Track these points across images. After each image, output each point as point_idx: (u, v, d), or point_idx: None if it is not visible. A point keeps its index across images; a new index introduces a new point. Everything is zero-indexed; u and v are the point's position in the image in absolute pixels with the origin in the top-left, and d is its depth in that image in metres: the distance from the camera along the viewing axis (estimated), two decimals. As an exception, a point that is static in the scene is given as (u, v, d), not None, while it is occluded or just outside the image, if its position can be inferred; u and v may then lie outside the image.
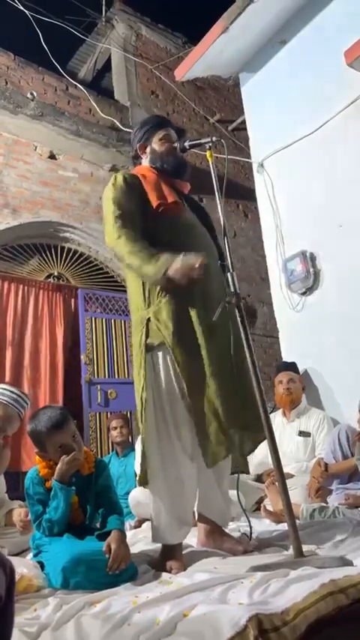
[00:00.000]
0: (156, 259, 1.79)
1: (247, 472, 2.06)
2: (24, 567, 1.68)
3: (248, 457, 2.10)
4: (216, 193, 1.93)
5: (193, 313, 1.86)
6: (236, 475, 2.02)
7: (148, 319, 1.90)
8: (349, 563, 1.47)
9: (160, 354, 1.88)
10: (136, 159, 2.26)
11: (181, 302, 1.87)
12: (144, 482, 1.84)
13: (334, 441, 2.65)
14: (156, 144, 2.14)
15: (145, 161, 2.18)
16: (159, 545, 1.89)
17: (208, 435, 1.78)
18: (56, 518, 1.82)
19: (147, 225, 1.96)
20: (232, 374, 1.84)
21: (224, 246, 1.88)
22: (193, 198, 2.23)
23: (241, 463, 2.03)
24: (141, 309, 1.94)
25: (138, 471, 1.89)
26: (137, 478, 1.88)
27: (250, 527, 2.02)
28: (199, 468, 1.93)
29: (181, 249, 1.84)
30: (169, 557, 1.79)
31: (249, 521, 2.02)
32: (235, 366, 1.85)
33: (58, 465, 1.85)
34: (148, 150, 2.17)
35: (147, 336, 1.89)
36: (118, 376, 4.79)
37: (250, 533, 2.02)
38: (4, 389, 2.30)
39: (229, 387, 1.83)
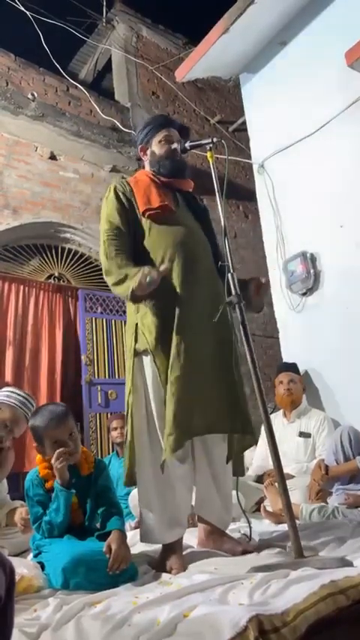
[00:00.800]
0: (124, 279, 1.83)
1: (242, 475, 2.06)
2: (24, 568, 1.68)
3: (249, 458, 2.10)
4: (216, 194, 1.93)
5: (176, 318, 1.87)
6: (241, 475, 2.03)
7: (137, 324, 1.93)
8: (350, 564, 1.47)
9: (147, 359, 1.90)
10: (141, 160, 2.28)
11: (165, 307, 1.88)
12: (130, 483, 1.88)
13: (336, 443, 2.64)
14: (155, 146, 2.14)
15: (147, 164, 2.20)
16: (159, 546, 1.89)
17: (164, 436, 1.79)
18: (56, 521, 1.83)
19: (140, 230, 2.00)
20: (216, 377, 1.86)
21: (224, 246, 1.88)
22: (194, 197, 2.22)
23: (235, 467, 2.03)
24: (132, 314, 1.97)
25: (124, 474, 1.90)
26: (124, 480, 1.90)
27: (250, 528, 2.02)
28: (197, 469, 1.93)
29: (167, 251, 1.92)
30: (169, 557, 1.79)
31: (249, 522, 2.02)
32: (224, 369, 1.86)
33: (53, 466, 1.86)
34: (148, 152, 2.18)
35: (135, 341, 1.92)
36: (119, 377, 4.79)
37: (250, 534, 2.02)
38: (12, 392, 2.33)
39: (209, 390, 1.84)
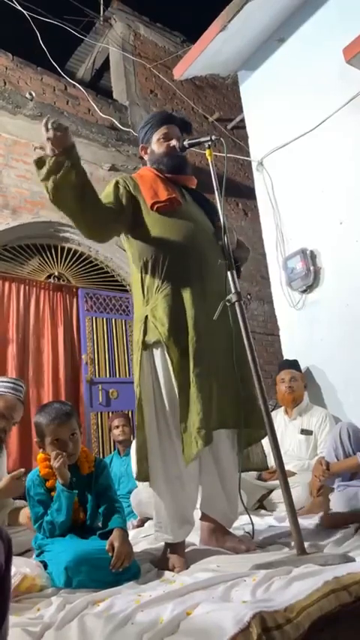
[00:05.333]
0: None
1: (266, 467, 2.03)
2: (27, 567, 1.68)
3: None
4: (215, 192, 1.92)
5: (189, 310, 1.86)
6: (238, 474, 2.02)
7: (146, 316, 1.91)
8: (352, 560, 1.47)
9: (157, 351, 1.89)
10: (142, 159, 2.28)
11: (178, 299, 1.88)
12: (143, 478, 1.87)
13: (336, 439, 2.64)
14: (155, 144, 2.14)
15: (148, 163, 2.20)
16: (161, 544, 1.89)
17: (186, 433, 1.77)
18: (58, 521, 1.83)
19: (142, 221, 1.98)
20: (229, 373, 1.85)
21: (224, 245, 1.88)
22: (202, 194, 2.20)
23: (259, 460, 2.01)
24: (140, 307, 1.96)
25: (135, 469, 1.89)
26: (135, 475, 1.89)
27: (253, 526, 2.02)
28: (202, 467, 1.93)
29: (177, 244, 1.90)
30: (171, 555, 1.79)
31: (251, 520, 2.02)
32: (236, 364, 1.85)
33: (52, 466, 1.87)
34: (148, 151, 2.18)
35: (144, 334, 1.90)
36: (120, 375, 4.79)
37: (253, 532, 2.02)
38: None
39: (221, 385, 1.84)
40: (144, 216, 1.99)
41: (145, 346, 1.89)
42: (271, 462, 1.85)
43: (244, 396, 1.84)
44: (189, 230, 1.98)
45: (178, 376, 1.81)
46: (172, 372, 1.83)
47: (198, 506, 1.99)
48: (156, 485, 1.87)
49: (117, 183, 2.05)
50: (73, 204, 1.83)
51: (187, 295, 1.88)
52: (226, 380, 1.86)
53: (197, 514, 2.01)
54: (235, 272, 1.85)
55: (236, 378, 1.86)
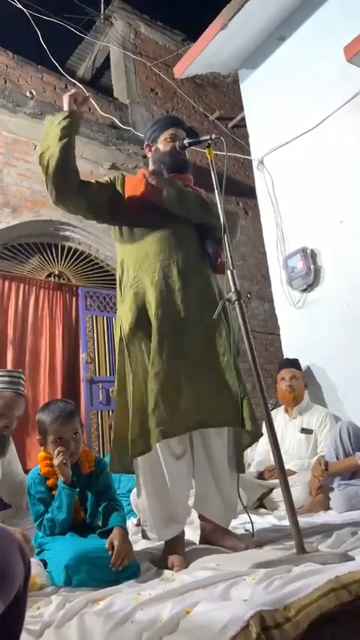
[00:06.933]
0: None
1: (260, 434, 2.05)
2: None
3: (250, 454, 2.10)
4: (216, 191, 1.92)
5: (151, 307, 1.89)
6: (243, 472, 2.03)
7: (120, 314, 1.99)
8: (351, 559, 1.46)
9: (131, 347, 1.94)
10: (146, 158, 2.31)
11: (143, 296, 1.92)
12: (114, 470, 1.90)
13: (336, 438, 2.64)
14: (161, 143, 2.18)
15: (150, 161, 2.23)
16: (161, 543, 1.89)
17: (132, 427, 1.80)
18: (58, 518, 1.83)
19: (121, 217, 2.06)
20: (203, 372, 1.86)
21: (224, 244, 1.88)
22: (196, 191, 2.21)
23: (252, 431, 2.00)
24: (120, 304, 2.04)
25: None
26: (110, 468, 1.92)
27: (252, 524, 2.02)
28: (195, 465, 1.93)
29: (151, 243, 1.97)
30: (171, 554, 1.79)
31: (250, 519, 2.02)
32: (214, 365, 1.88)
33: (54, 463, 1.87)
34: (153, 149, 2.21)
35: (121, 330, 1.97)
36: (120, 374, 4.78)
37: (253, 530, 2.02)
38: None
39: (198, 383, 1.84)
40: (123, 213, 2.05)
41: (120, 342, 1.97)
42: (271, 460, 1.85)
43: (222, 395, 1.84)
44: (168, 229, 2.01)
45: (134, 370, 1.88)
46: (138, 368, 1.88)
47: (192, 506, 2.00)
48: (140, 484, 1.89)
49: (104, 180, 2.15)
50: (59, 156, 1.97)
51: (151, 293, 1.90)
52: (200, 380, 1.85)
53: (196, 513, 2.01)
54: (234, 271, 1.84)
55: (212, 378, 1.86)
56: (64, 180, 2.01)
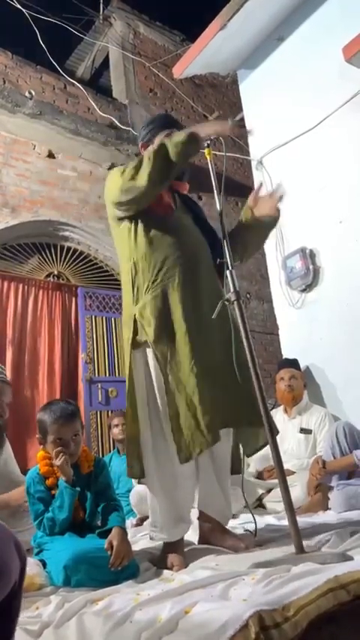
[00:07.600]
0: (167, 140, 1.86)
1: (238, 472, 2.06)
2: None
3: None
4: (215, 191, 1.92)
5: (177, 310, 1.87)
6: (239, 474, 2.03)
7: (135, 316, 1.92)
8: (350, 559, 1.47)
9: (149, 350, 1.90)
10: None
11: (166, 301, 1.89)
12: (137, 475, 1.89)
13: (332, 438, 2.65)
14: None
15: None
16: (160, 543, 1.89)
17: (182, 431, 1.78)
18: (59, 518, 1.83)
19: (138, 219, 1.99)
20: (227, 371, 1.84)
21: (223, 244, 1.88)
22: (191, 198, 2.24)
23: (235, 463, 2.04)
24: (130, 305, 1.96)
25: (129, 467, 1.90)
26: (128, 473, 1.90)
27: (256, 524, 2.02)
28: (199, 465, 1.93)
29: (168, 247, 1.92)
30: (170, 554, 1.79)
31: (254, 518, 2.02)
32: (236, 363, 1.85)
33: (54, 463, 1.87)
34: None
35: (135, 333, 1.91)
36: (119, 374, 4.79)
37: (256, 530, 2.01)
38: None
39: (221, 384, 1.83)
40: (140, 216, 2.00)
41: (137, 345, 1.91)
42: (270, 460, 1.85)
43: (245, 394, 1.84)
44: (181, 235, 2.00)
45: (166, 376, 1.82)
46: (161, 372, 1.84)
47: (195, 505, 1.99)
48: (150, 485, 1.88)
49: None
50: (159, 176, 1.86)
51: (176, 296, 1.88)
52: (225, 379, 1.86)
53: (195, 513, 2.01)
54: (233, 272, 1.84)
55: (235, 377, 1.86)
56: (153, 195, 1.94)
